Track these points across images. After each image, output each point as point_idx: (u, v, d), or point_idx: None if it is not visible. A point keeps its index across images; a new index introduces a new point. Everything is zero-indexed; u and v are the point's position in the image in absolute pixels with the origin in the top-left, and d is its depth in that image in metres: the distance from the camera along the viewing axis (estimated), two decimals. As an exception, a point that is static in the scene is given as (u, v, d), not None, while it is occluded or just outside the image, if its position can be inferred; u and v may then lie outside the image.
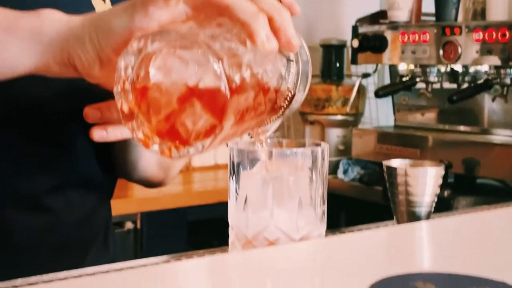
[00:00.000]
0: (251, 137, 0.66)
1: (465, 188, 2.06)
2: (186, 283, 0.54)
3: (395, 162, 0.77)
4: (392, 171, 0.75)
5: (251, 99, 0.56)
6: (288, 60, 0.61)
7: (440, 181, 0.75)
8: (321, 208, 0.67)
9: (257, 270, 0.56)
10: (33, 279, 0.60)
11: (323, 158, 0.67)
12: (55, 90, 0.84)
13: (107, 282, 0.52)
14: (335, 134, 2.63)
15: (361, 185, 2.27)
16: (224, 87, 0.54)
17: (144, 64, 0.57)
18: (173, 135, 0.57)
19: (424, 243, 0.64)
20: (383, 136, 2.36)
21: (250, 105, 0.56)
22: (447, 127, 2.39)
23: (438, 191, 0.75)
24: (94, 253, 0.98)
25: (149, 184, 0.98)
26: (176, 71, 0.55)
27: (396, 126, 2.53)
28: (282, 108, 0.62)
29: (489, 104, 2.24)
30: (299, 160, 0.65)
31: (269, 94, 0.59)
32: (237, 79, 0.54)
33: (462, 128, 2.34)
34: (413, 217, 0.75)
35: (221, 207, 2.36)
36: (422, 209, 0.75)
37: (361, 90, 2.64)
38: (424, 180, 0.74)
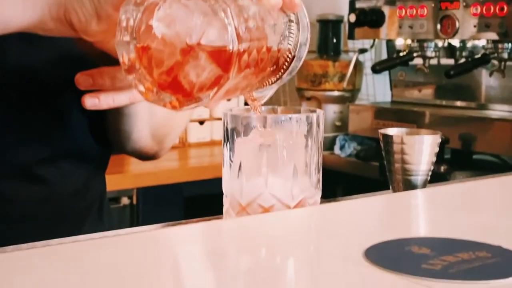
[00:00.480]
0: (246, 104, 0.65)
1: (462, 164, 2.05)
2: (181, 248, 0.54)
3: (391, 131, 0.77)
4: (388, 139, 0.75)
5: (255, 52, 0.55)
6: (290, 20, 0.60)
7: (437, 149, 0.75)
8: (316, 176, 0.66)
9: (252, 236, 0.56)
10: (25, 246, 0.60)
11: (318, 125, 0.66)
12: (47, 59, 0.83)
13: (102, 247, 0.51)
14: (331, 110, 2.62)
15: (357, 161, 2.26)
16: (231, 35, 0.53)
17: (147, 15, 0.55)
18: (175, 88, 0.55)
19: (420, 210, 0.63)
20: (380, 112, 2.35)
21: (254, 59, 0.55)
22: (444, 102, 2.38)
23: (434, 159, 0.75)
24: (89, 226, 0.98)
25: (143, 156, 0.97)
26: (180, 22, 0.54)
27: (393, 102, 2.52)
28: (282, 70, 0.60)
29: (486, 79, 2.23)
30: (294, 126, 0.64)
31: (271, 52, 0.58)
32: (243, 28, 0.54)
33: (459, 103, 2.33)
34: (409, 185, 0.74)
35: (217, 183, 2.36)
36: (418, 178, 0.74)
37: (358, 65, 2.63)
38: (420, 148, 0.73)
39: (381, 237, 0.53)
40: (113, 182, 1.89)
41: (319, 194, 0.67)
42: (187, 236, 0.55)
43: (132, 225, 2.05)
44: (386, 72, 2.45)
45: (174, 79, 0.54)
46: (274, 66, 0.60)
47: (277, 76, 0.61)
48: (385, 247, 0.51)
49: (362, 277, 0.45)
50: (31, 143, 0.86)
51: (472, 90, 2.30)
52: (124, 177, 2.01)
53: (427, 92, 2.45)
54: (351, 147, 2.37)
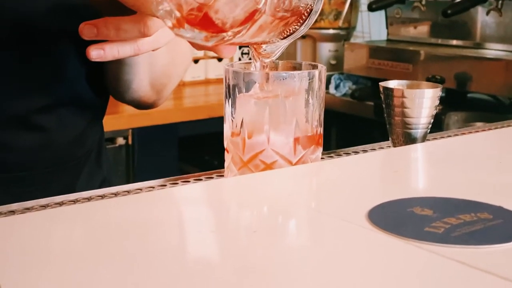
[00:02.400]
0: (251, 59, 0.64)
1: (456, 103, 2.06)
2: (182, 208, 0.54)
3: (392, 83, 0.76)
4: (388, 92, 0.74)
5: None
6: None
7: (437, 102, 0.75)
8: (318, 132, 0.66)
9: (255, 194, 0.56)
10: (29, 203, 0.60)
11: (320, 81, 0.66)
12: (42, 8, 0.82)
13: (103, 207, 0.52)
14: (326, 49, 2.60)
15: (353, 100, 2.26)
16: None
17: None
18: (205, 24, 0.54)
19: (421, 167, 0.64)
20: (375, 51, 2.33)
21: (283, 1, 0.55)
22: (439, 41, 2.37)
23: (434, 112, 0.75)
24: (88, 172, 0.98)
25: (141, 105, 0.97)
26: None
27: (388, 40, 2.51)
28: (300, 21, 0.59)
29: (483, 18, 2.21)
30: (296, 83, 0.64)
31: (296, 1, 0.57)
32: None
33: (455, 42, 2.32)
34: (409, 138, 0.75)
35: (212, 123, 2.37)
36: (419, 131, 0.74)
37: (354, 3, 2.60)
38: (421, 102, 0.73)
39: (383, 196, 0.54)
40: (109, 122, 1.89)
41: (320, 150, 0.67)
42: (189, 196, 0.56)
43: (128, 165, 2.06)
44: (382, 9, 2.42)
45: (205, 15, 0.53)
46: (297, 14, 0.59)
47: (296, 26, 0.60)
48: (388, 208, 0.52)
49: (365, 241, 0.46)
50: (29, 92, 0.85)
51: (468, 28, 2.28)
52: (120, 117, 2.00)
53: (423, 30, 2.43)
54: (346, 87, 2.36)
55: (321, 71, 0.66)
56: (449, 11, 2.04)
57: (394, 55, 2.27)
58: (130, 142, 2.05)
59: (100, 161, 1.02)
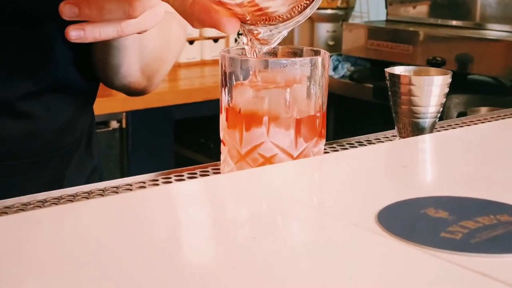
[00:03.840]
0: (248, 44, 0.59)
1: (457, 85, 2.01)
2: (175, 211, 0.50)
3: (398, 69, 0.72)
4: (395, 79, 0.70)
5: None
6: None
7: (447, 90, 0.70)
8: (320, 123, 0.62)
9: (252, 193, 0.52)
10: (10, 201, 0.56)
11: (323, 67, 0.61)
12: None
13: (90, 209, 0.48)
14: (324, 29, 2.55)
15: (351, 82, 2.22)
16: None
17: None
18: None
19: (432, 161, 0.59)
20: (374, 32, 2.28)
21: None
22: (439, 21, 2.32)
23: (444, 100, 0.70)
24: (77, 160, 0.94)
25: (131, 91, 0.93)
26: None
27: (387, 21, 2.46)
28: (306, 3, 0.55)
29: (485, -2, 2.17)
30: (297, 70, 0.59)
31: None
32: None
33: (455, 22, 2.27)
34: (417, 128, 0.70)
35: (208, 105, 2.31)
36: (427, 120, 0.70)
37: (352, -18, 2.54)
38: (429, 90, 0.68)
39: (392, 195, 0.49)
40: (102, 105, 1.84)
41: (323, 142, 0.63)
42: (183, 195, 0.51)
43: (122, 148, 2.01)
44: (382, -10, 2.37)
45: None
46: None
47: (302, 6, 0.55)
48: (399, 209, 0.47)
49: (375, 248, 0.42)
50: (14, 77, 0.81)
51: (469, 8, 2.23)
52: (113, 100, 1.95)
53: (423, 10, 2.38)
54: (345, 68, 2.32)
55: (324, 57, 0.61)
56: (450, -9, 1.99)
57: (394, 36, 2.22)
58: (124, 125, 2.01)
59: (90, 149, 0.98)
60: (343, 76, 2.29)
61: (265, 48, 0.58)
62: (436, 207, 0.48)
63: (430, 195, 0.50)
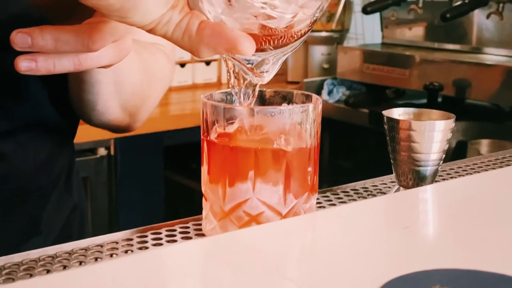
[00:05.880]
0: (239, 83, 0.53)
1: (456, 112, 1.96)
2: (151, 277, 0.44)
3: (397, 112, 0.66)
4: (393, 123, 0.64)
5: None
6: None
7: (450, 135, 0.64)
8: (312, 176, 0.56)
9: (234, 261, 0.46)
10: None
11: (315, 115, 0.55)
12: (3, 18, 0.72)
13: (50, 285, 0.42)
14: (319, 52, 2.50)
15: (346, 107, 2.16)
16: None
17: None
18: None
19: (436, 221, 0.54)
20: (369, 55, 2.23)
21: None
22: (436, 45, 2.27)
23: (446, 146, 0.65)
24: (56, 200, 0.88)
25: (113, 129, 0.87)
26: None
27: (383, 44, 2.41)
28: (300, 33, 0.49)
29: (483, 21, 2.12)
30: (286, 119, 0.54)
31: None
32: None
33: (452, 46, 2.22)
34: (418, 177, 0.64)
35: (199, 131, 2.26)
36: (428, 168, 0.64)
37: (347, 4, 2.50)
38: (431, 135, 0.63)
39: (394, 267, 0.43)
40: (89, 132, 1.78)
41: (315, 196, 0.57)
42: (161, 263, 0.45)
43: (110, 176, 1.95)
44: (377, 12, 2.32)
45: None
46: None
47: (297, 36, 0.50)
48: (402, 286, 0.42)
49: None
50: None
51: (466, 32, 2.19)
52: (101, 127, 1.89)
53: (419, 33, 2.34)
54: (340, 92, 2.26)
55: (316, 104, 0.55)
56: (447, 15, 1.94)
57: (390, 60, 2.18)
58: (112, 152, 1.94)
59: (70, 186, 0.92)
60: (338, 101, 2.24)
61: (262, 81, 0.51)
62: (442, 283, 0.42)
63: (436, 265, 0.45)
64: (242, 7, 0.46)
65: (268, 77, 0.52)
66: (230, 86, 0.53)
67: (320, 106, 0.56)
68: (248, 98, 0.53)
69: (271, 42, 0.48)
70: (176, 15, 0.48)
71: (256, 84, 0.52)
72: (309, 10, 0.48)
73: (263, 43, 0.48)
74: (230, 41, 0.47)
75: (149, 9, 0.47)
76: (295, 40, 0.49)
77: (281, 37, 0.48)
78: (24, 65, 0.56)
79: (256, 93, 0.53)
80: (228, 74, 0.53)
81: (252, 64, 0.51)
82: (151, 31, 0.49)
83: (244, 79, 0.52)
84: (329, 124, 2.16)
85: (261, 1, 0.46)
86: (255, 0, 0.46)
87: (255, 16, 0.47)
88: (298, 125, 0.54)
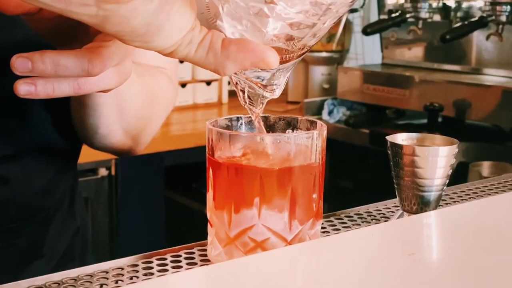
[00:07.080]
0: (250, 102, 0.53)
1: (454, 131, 1.97)
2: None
3: (400, 137, 0.67)
4: (397, 149, 0.65)
5: None
6: None
7: (453, 160, 0.65)
8: (317, 202, 0.56)
9: (245, 283, 0.46)
10: None
11: (320, 141, 0.56)
12: (5, 44, 0.73)
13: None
14: (319, 72, 2.51)
15: (347, 127, 2.17)
16: None
17: None
18: None
19: (442, 246, 0.54)
20: (369, 76, 2.24)
21: None
22: (436, 65, 2.28)
23: (450, 172, 0.65)
24: (59, 223, 0.89)
25: (117, 152, 0.87)
26: None
27: (383, 64, 2.42)
28: (309, 48, 0.50)
29: (482, 42, 2.13)
30: (291, 146, 0.54)
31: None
32: None
33: (452, 67, 2.24)
34: (422, 202, 0.65)
35: (200, 151, 2.25)
36: (432, 194, 0.64)
37: (347, 25, 2.51)
38: (435, 161, 0.63)
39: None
40: (90, 153, 1.77)
41: (320, 222, 0.57)
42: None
43: (111, 197, 1.95)
44: (377, 33, 2.34)
45: None
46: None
47: (302, 53, 0.50)
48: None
49: None
50: (-13, 141, 0.76)
51: (466, 53, 2.20)
52: (102, 147, 1.89)
53: (419, 54, 2.35)
54: (340, 112, 2.27)
55: (321, 130, 0.56)
56: (447, 36, 1.95)
57: (390, 81, 2.19)
58: (113, 172, 1.94)
59: (73, 209, 0.93)
60: (338, 121, 2.24)
61: (271, 95, 0.51)
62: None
63: (441, 294, 0.45)
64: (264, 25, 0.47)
65: (278, 91, 0.52)
66: (242, 102, 0.53)
67: (325, 133, 0.56)
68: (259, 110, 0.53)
69: (283, 57, 0.49)
70: (197, 35, 0.48)
71: (266, 98, 0.53)
72: (322, 32, 0.49)
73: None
74: (257, 54, 0.47)
75: (172, 32, 0.47)
76: (300, 56, 0.50)
77: (291, 53, 0.49)
78: (23, 88, 0.56)
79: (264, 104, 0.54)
80: (240, 94, 0.53)
81: (263, 80, 0.51)
82: (171, 54, 0.48)
83: (255, 96, 0.53)
84: (330, 144, 2.15)
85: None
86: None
87: (276, 37, 0.47)
88: (303, 151, 0.54)
